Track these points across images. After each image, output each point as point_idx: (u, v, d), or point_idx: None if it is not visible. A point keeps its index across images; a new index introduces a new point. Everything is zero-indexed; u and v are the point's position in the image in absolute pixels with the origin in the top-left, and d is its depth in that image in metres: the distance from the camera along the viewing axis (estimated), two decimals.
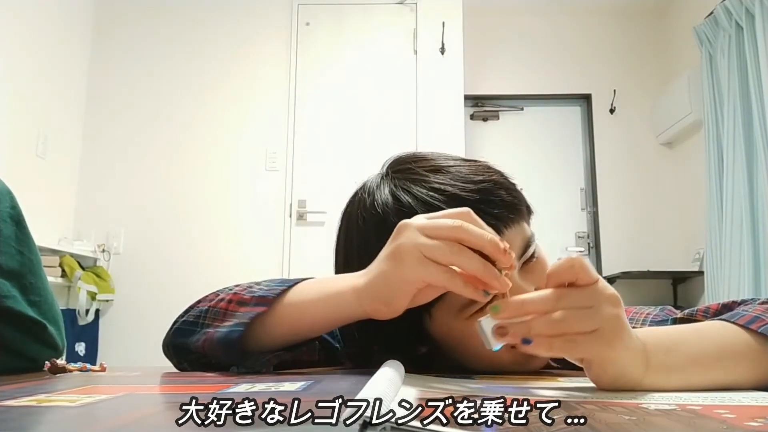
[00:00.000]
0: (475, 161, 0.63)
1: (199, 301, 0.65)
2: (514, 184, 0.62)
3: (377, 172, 0.66)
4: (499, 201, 0.58)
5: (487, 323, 0.44)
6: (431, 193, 0.57)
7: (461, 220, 0.48)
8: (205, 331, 0.60)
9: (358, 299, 0.53)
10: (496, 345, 0.44)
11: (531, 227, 0.63)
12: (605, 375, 0.44)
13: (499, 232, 0.55)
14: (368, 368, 0.48)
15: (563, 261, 0.43)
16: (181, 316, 0.65)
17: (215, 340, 0.57)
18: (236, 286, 0.64)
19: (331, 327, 0.59)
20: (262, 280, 0.65)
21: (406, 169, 0.62)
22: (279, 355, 0.58)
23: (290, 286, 0.58)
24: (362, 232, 0.61)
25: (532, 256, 0.61)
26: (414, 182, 0.60)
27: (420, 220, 0.50)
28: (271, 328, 0.57)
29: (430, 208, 0.56)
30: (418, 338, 0.62)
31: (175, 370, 0.66)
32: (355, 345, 0.67)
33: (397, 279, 0.50)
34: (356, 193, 0.66)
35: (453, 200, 0.56)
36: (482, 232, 0.48)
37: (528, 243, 0.61)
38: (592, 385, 0.47)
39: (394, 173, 0.63)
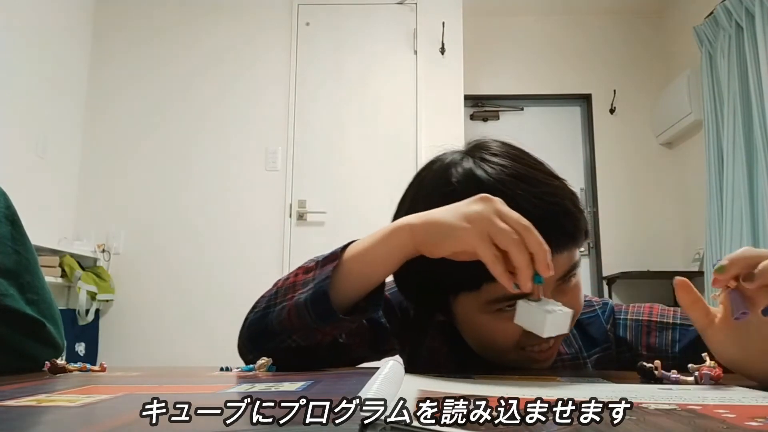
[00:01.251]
0: (556, 180, 0.65)
1: (261, 297, 0.68)
2: (581, 212, 0.64)
3: (458, 149, 0.69)
4: (559, 228, 0.61)
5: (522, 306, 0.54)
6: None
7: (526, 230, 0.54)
8: (284, 305, 0.62)
9: (411, 234, 0.58)
10: (549, 334, 0.53)
11: (580, 251, 0.66)
12: None
13: None
14: (371, 367, 0.48)
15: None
16: (251, 312, 0.67)
17: (302, 304, 0.60)
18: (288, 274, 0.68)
19: (391, 266, 0.61)
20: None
21: (491, 161, 0.64)
22: (356, 319, 0.63)
23: (347, 245, 0.63)
24: (429, 197, 0.63)
25: (570, 279, 0.64)
26: (490, 175, 0.62)
27: (501, 203, 0.55)
28: (341, 284, 0.60)
29: None
30: (442, 306, 0.67)
31: (174, 369, 0.66)
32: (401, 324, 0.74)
33: (454, 235, 0.55)
34: (434, 161, 0.69)
35: (518, 211, 0.57)
36: (542, 242, 0.53)
37: (572, 268, 0.64)
38: (591, 384, 0.47)
39: (481, 160, 0.64)
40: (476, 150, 0.67)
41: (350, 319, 0.61)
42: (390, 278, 0.72)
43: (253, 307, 0.68)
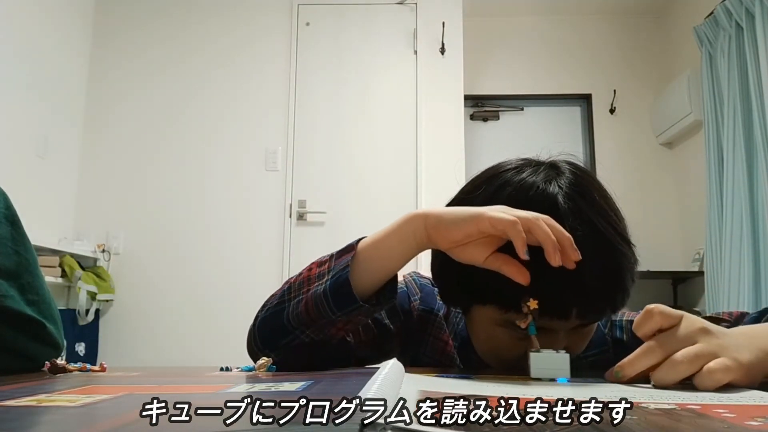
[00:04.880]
0: (627, 245, 0.62)
1: (272, 295, 0.68)
2: (634, 283, 0.62)
3: (546, 162, 0.66)
4: (609, 300, 0.61)
5: (536, 357, 0.54)
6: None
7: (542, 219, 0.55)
8: (300, 298, 0.63)
9: (424, 224, 0.59)
10: (537, 375, 0.53)
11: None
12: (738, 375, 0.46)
13: (561, 316, 0.59)
14: (371, 368, 0.49)
15: (643, 314, 0.49)
16: (261, 310, 0.68)
17: (321, 294, 0.60)
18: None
19: (405, 254, 0.62)
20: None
21: (575, 207, 0.60)
22: (373, 308, 0.62)
23: (360, 239, 0.64)
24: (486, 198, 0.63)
25: (587, 324, 0.65)
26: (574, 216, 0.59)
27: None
28: (357, 274, 0.61)
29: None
30: (464, 306, 0.70)
31: (174, 369, 0.66)
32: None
33: (471, 218, 0.56)
34: (495, 176, 0.67)
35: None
36: (549, 233, 0.54)
37: (596, 320, 0.65)
38: (590, 384, 0.47)
39: (569, 192, 0.61)
40: (570, 185, 0.62)
41: (368, 306, 0.61)
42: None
43: (264, 306, 0.68)
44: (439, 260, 0.67)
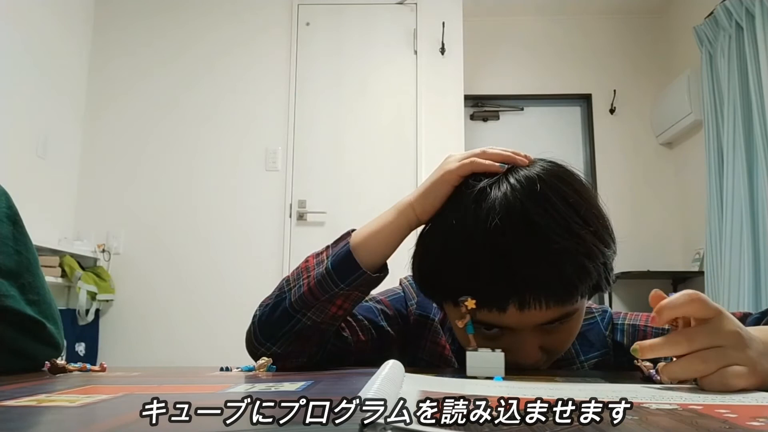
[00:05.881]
0: (570, 236, 0.57)
1: (268, 296, 0.71)
2: (587, 274, 0.58)
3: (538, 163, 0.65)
4: (547, 289, 0.58)
5: (471, 356, 0.56)
6: (499, 236, 0.57)
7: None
8: (302, 283, 0.67)
9: (413, 209, 0.67)
10: (472, 373, 0.55)
11: (585, 299, 0.63)
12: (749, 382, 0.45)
13: (499, 308, 0.59)
14: (372, 367, 0.49)
15: (680, 296, 0.45)
16: (259, 308, 0.70)
17: (324, 272, 0.65)
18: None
19: (398, 244, 0.69)
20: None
21: (509, 197, 0.59)
22: (374, 279, 0.67)
23: (349, 231, 0.70)
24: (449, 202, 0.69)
25: (561, 321, 0.62)
26: (518, 205, 0.58)
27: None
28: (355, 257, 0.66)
29: (488, 233, 0.58)
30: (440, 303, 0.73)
31: (174, 369, 0.66)
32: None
33: (440, 177, 0.65)
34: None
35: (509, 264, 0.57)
36: (501, 152, 0.65)
37: (562, 317, 0.62)
38: (590, 384, 0.47)
39: (513, 183, 0.60)
40: (511, 173, 0.63)
41: (369, 275, 0.65)
42: (386, 286, 0.74)
43: (262, 304, 0.70)
44: (414, 255, 0.68)
